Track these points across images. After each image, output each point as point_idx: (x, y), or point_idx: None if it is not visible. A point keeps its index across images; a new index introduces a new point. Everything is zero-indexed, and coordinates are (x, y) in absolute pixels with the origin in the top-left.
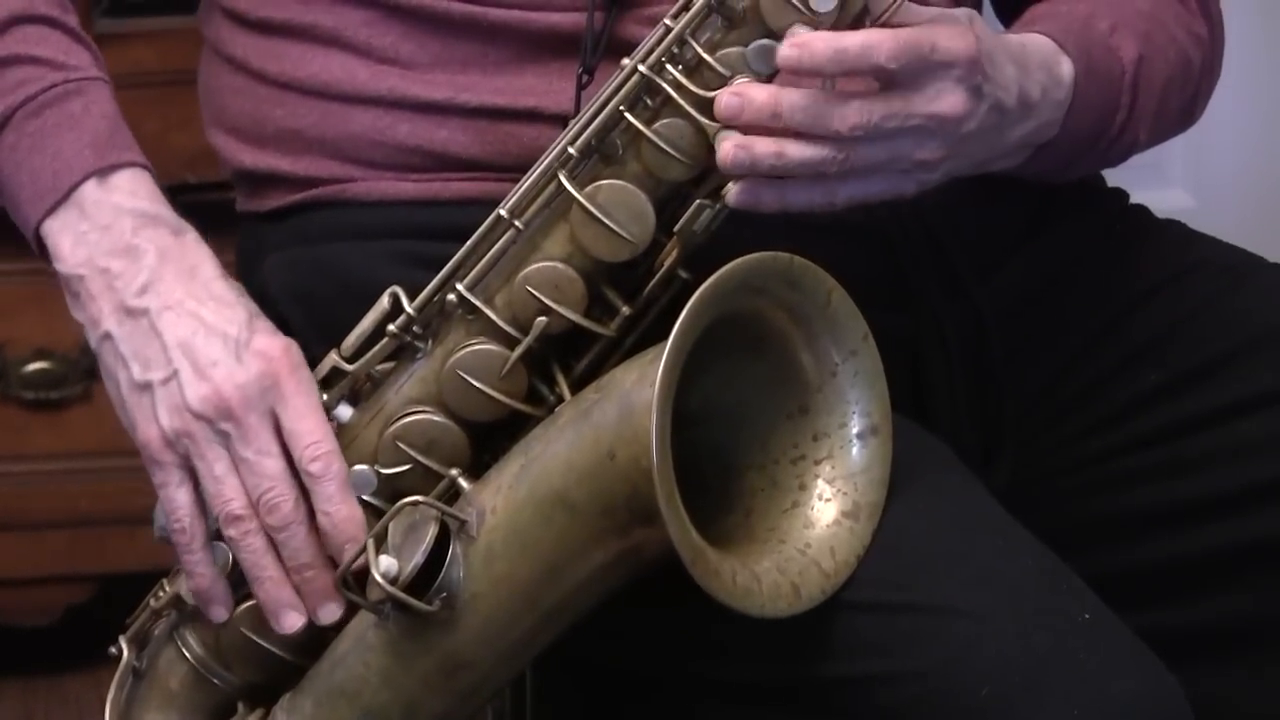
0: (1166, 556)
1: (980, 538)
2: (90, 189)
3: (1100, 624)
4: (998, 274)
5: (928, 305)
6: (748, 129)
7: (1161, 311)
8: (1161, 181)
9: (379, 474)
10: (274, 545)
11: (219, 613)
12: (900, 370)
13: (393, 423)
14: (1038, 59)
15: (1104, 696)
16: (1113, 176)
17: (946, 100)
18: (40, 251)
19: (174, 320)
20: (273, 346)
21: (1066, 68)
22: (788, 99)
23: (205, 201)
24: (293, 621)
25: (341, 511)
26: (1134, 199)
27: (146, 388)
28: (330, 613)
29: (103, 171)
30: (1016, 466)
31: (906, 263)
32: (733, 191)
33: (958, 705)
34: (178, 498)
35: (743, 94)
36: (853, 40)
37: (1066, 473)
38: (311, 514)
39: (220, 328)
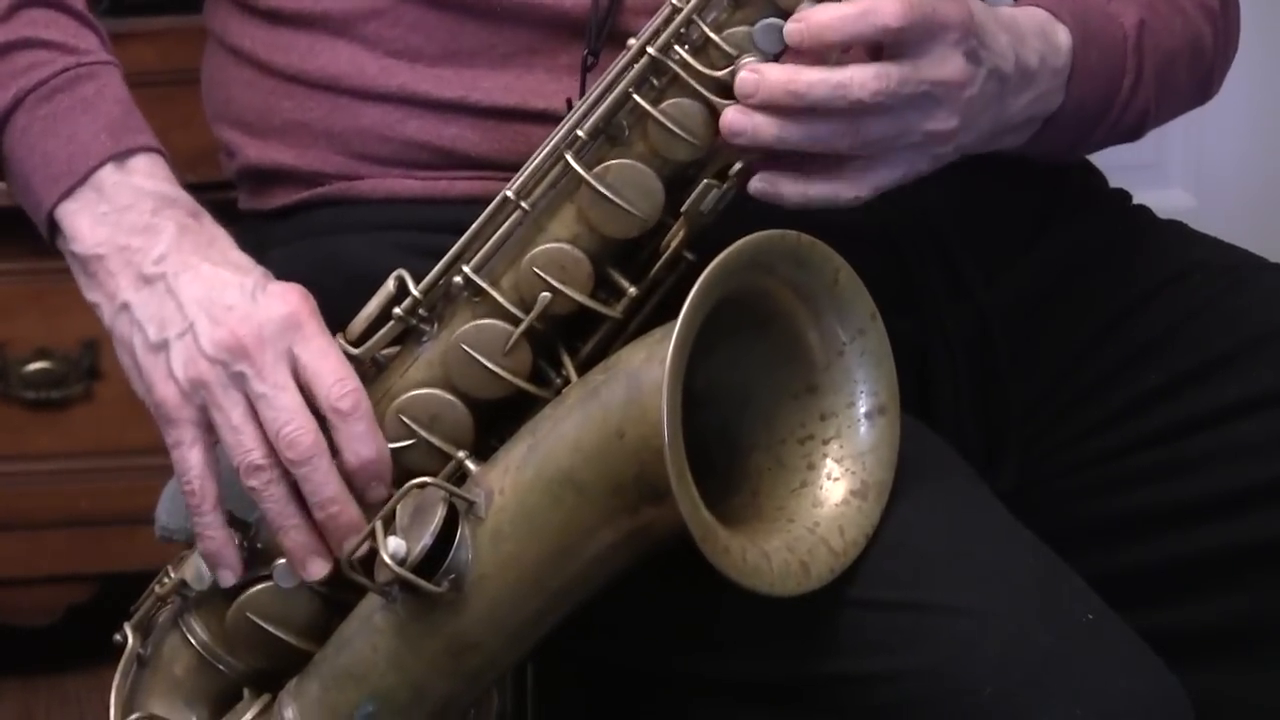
0: (1168, 556)
1: (982, 537)
2: (108, 172)
3: (1102, 624)
4: (1002, 277)
5: (933, 308)
6: (766, 107)
7: (1163, 312)
8: (1162, 182)
9: None
10: (296, 494)
11: (227, 576)
12: (905, 372)
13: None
14: (1032, 27)
15: (1105, 696)
16: (1114, 177)
17: (948, 66)
18: (50, 235)
19: (191, 280)
20: (290, 290)
21: (1063, 36)
22: (805, 75)
23: (207, 201)
24: (319, 568)
25: (371, 449)
26: (1135, 200)
27: (162, 346)
28: (353, 545)
29: (120, 156)
30: (1020, 467)
31: (912, 265)
32: (754, 180)
33: (959, 704)
34: (190, 458)
35: (760, 71)
36: (854, 6)
37: (1069, 473)
38: (331, 449)
39: (237, 280)
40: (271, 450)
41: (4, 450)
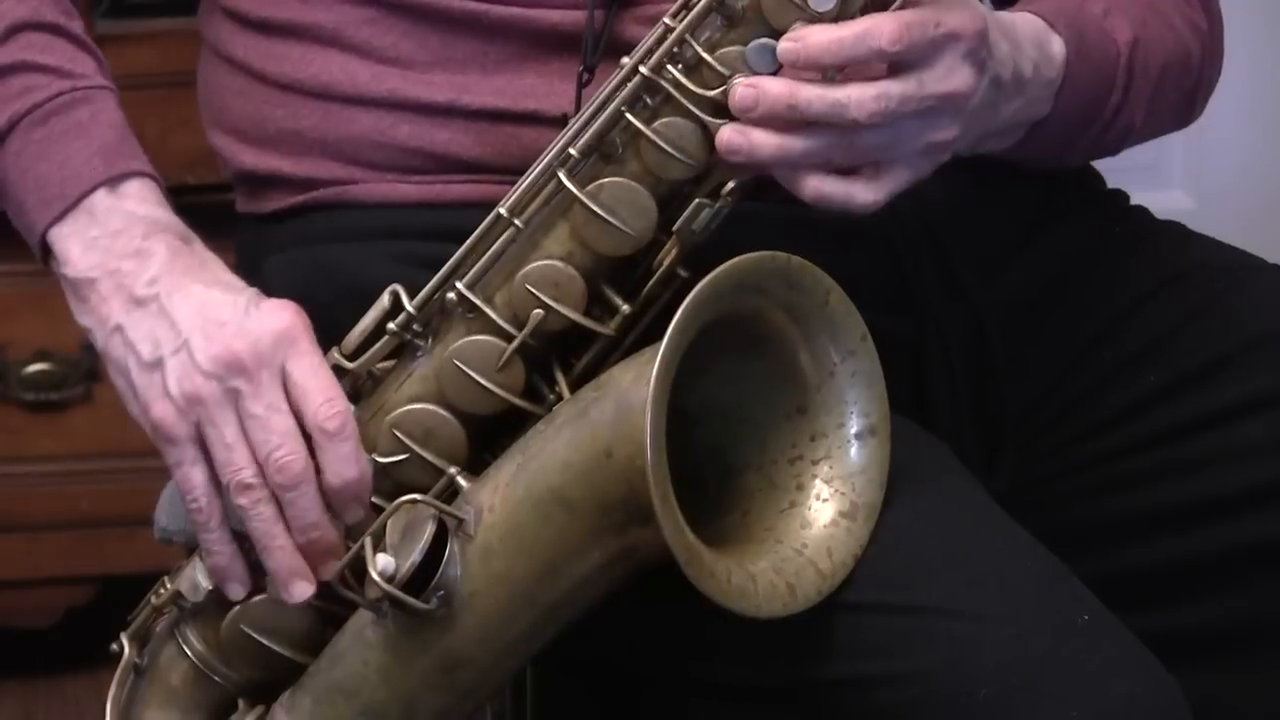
0: (1166, 558)
1: (979, 539)
2: (101, 197)
3: (1099, 625)
4: (999, 277)
5: (929, 309)
6: (763, 122)
7: (1161, 313)
8: (1161, 183)
9: (375, 462)
10: (282, 514)
11: (237, 590)
12: (901, 374)
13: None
14: (1029, 35)
15: (1103, 697)
16: (1112, 178)
17: (956, 78)
18: (44, 257)
19: (183, 299)
20: (283, 306)
21: (1058, 46)
22: (804, 91)
23: (205, 203)
24: (303, 590)
25: (354, 472)
26: (1134, 200)
27: (157, 364)
28: (329, 570)
29: (113, 180)
30: (1017, 469)
31: (908, 266)
32: (809, 184)
33: (956, 707)
34: (193, 476)
35: (758, 85)
36: (850, 29)
37: (1067, 474)
38: (317, 473)
39: (230, 299)
40: (262, 470)
41: (4, 452)
